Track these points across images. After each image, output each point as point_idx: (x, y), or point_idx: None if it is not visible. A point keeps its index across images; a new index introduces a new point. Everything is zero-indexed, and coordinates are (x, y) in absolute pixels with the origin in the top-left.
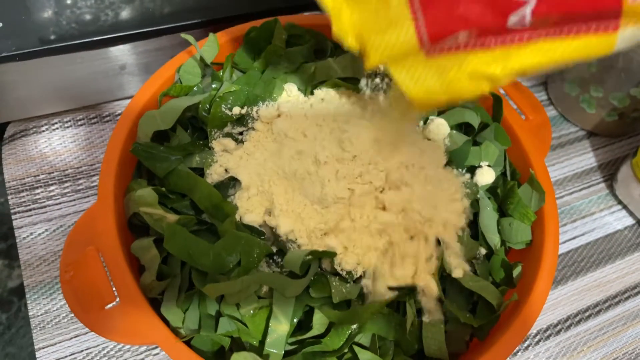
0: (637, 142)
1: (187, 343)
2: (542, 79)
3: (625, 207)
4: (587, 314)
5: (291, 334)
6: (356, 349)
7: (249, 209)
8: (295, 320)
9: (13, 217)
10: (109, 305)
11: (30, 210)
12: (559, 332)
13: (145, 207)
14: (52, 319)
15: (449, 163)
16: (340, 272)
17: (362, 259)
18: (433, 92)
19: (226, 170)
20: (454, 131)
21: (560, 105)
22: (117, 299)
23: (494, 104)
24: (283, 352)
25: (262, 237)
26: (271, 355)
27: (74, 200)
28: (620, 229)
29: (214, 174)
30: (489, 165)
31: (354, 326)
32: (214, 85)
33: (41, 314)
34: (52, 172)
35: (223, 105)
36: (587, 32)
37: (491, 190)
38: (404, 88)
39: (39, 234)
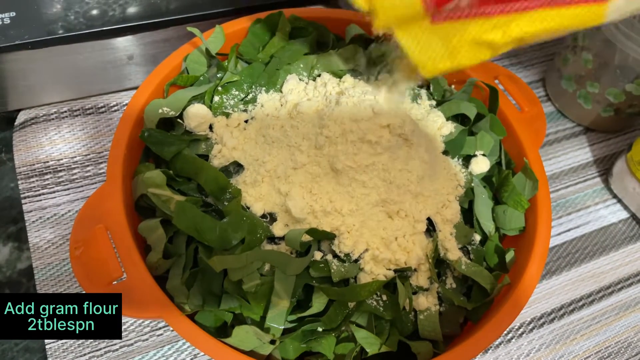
0: (632, 138)
1: (191, 319)
2: (541, 75)
3: (619, 200)
4: (580, 303)
5: (291, 312)
6: (353, 327)
7: (252, 193)
8: (295, 298)
9: (23, 201)
10: (117, 281)
11: (39, 195)
12: (552, 320)
13: (153, 188)
14: None
15: (445, 152)
16: (339, 254)
17: (360, 241)
18: (437, 58)
19: (230, 156)
20: (450, 121)
21: (558, 101)
22: (124, 275)
23: (491, 96)
24: (283, 326)
25: (265, 220)
26: (272, 329)
27: (82, 186)
28: (614, 222)
29: (218, 160)
30: (483, 155)
31: (352, 305)
32: (219, 75)
33: None
34: (61, 159)
35: (227, 95)
36: (578, 2)
37: (486, 178)
38: (409, 53)
39: (48, 218)
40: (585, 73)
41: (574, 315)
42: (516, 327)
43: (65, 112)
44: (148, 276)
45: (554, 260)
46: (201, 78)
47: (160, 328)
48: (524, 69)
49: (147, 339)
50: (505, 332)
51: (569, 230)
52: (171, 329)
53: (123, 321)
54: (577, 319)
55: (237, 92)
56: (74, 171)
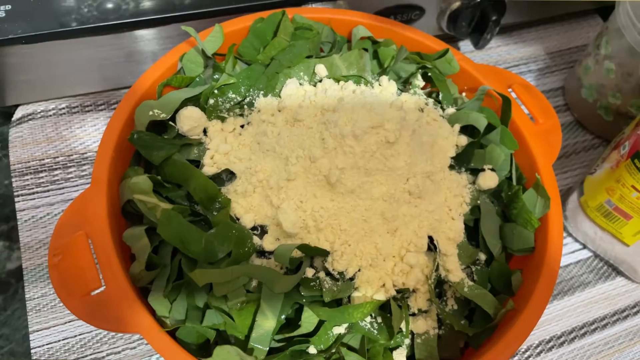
0: None
1: (172, 334)
2: (561, 83)
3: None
4: (592, 327)
5: (279, 331)
6: (344, 350)
7: (242, 203)
8: (282, 317)
9: (16, 199)
10: (95, 292)
11: (33, 193)
12: (562, 344)
13: (139, 195)
14: (48, 303)
15: (451, 166)
16: (332, 272)
17: (354, 259)
18: None
19: (222, 162)
20: (459, 133)
21: (577, 111)
22: (103, 286)
23: (503, 106)
24: (268, 347)
25: (255, 233)
26: (255, 350)
27: (77, 185)
28: None
29: (210, 166)
30: (492, 169)
31: (344, 326)
32: (215, 76)
33: (37, 297)
34: (57, 157)
35: (222, 98)
36: None
37: (495, 193)
38: None
39: (41, 218)
40: (607, 83)
41: (585, 340)
42: (523, 349)
43: (64, 109)
44: (128, 288)
45: (566, 280)
46: (197, 79)
47: None
48: (543, 77)
49: (135, 347)
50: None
51: (584, 247)
52: None
53: None
54: (589, 343)
55: (233, 95)
56: (70, 170)
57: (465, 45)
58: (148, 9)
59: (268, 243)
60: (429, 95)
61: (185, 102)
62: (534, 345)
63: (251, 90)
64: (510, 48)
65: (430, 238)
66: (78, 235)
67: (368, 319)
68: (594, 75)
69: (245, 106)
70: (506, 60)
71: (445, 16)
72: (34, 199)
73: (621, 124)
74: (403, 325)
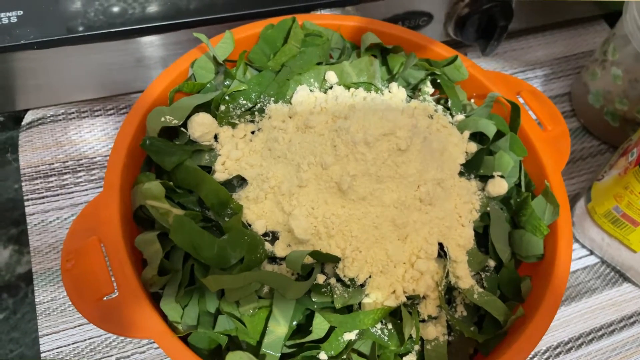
0: None
1: (184, 340)
2: (567, 88)
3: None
4: (600, 333)
5: (290, 336)
6: (354, 356)
7: (254, 209)
8: (294, 323)
9: (26, 203)
10: (107, 297)
11: (43, 197)
12: (569, 350)
13: (151, 200)
14: (58, 307)
15: (460, 173)
16: (343, 278)
17: (365, 266)
18: None
19: (234, 168)
20: (468, 140)
21: (583, 116)
22: (116, 291)
23: (512, 113)
24: (280, 354)
25: (267, 239)
26: (267, 357)
27: (87, 190)
28: None
29: (222, 172)
30: (501, 176)
31: (355, 332)
32: (227, 83)
33: (47, 301)
34: (67, 161)
35: (233, 104)
36: None
37: (504, 200)
38: None
39: (50, 222)
40: (614, 89)
41: (592, 346)
42: (531, 356)
43: (73, 113)
44: (140, 293)
45: (573, 286)
46: (208, 85)
47: None
48: (549, 82)
49: (144, 352)
50: None
51: (591, 253)
52: None
53: None
54: (596, 349)
55: (244, 102)
56: (80, 174)
57: (472, 51)
58: (155, 14)
59: (280, 249)
60: (437, 101)
61: (197, 109)
62: (542, 351)
63: (262, 96)
64: (516, 54)
65: (440, 245)
66: (91, 241)
67: (378, 325)
68: (600, 81)
69: (256, 112)
70: (512, 65)
71: (452, 22)
72: (44, 203)
73: (628, 130)
74: (413, 332)
